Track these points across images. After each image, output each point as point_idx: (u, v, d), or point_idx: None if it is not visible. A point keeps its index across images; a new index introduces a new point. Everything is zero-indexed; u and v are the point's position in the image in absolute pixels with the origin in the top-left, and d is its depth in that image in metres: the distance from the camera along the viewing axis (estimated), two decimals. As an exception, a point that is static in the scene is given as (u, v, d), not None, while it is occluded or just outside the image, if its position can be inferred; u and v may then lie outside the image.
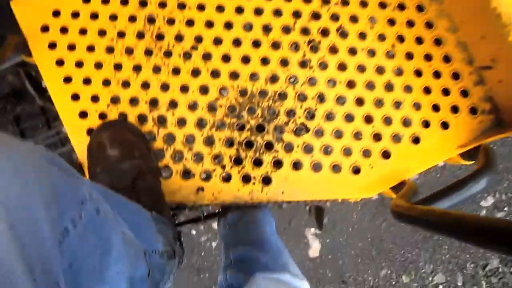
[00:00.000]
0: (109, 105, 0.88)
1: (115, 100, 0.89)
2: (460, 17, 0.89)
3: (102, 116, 0.88)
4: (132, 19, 0.91)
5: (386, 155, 0.87)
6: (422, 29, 0.91)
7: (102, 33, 0.91)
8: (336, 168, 0.87)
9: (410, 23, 0.92)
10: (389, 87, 0.89)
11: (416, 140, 0.87)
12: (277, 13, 0.92)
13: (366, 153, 0.87)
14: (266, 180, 0.88)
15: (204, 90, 0.90)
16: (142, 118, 0.88)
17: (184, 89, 0.90)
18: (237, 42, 0.91)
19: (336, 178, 0.86)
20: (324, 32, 0.91)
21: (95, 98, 0.88)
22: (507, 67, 0.80)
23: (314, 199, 0.87)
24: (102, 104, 0.88)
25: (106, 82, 0.89)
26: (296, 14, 0.92)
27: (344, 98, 0.89)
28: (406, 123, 0.88)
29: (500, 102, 0.86)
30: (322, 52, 0.90)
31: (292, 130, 0.88)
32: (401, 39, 0.91)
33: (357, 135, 0.88)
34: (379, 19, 0.92)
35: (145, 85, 0.89)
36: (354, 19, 0.91)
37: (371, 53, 0.90)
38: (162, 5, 0.91)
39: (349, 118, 0.88)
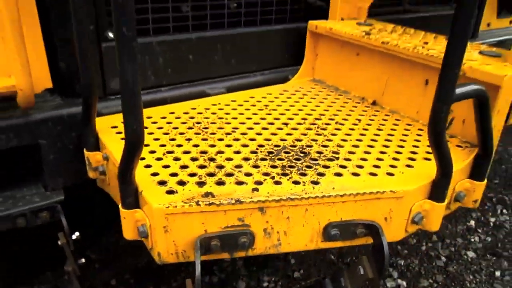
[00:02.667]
0: (180, 170, 1.05)
1: (184, 167, 1.05)
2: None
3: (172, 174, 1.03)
4: (190, 128, 1.23)
5: (372, 174, 1.05)
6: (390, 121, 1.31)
7: (165, 133, 1.19)
8: (357, 174, 1.01)
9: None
10: (372, 143, 1.18)
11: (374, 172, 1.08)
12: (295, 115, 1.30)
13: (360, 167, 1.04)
14: (315, 182, 0.97)
15: (245, 146, 1.12)
16: (199, 166, 1.04)
17: (228, 146, 1.11)
18: (264, 129, 1.22)
19: (362, 179, 0.99)
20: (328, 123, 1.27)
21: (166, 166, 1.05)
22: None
23: (360, 191, 0.95)
24: (174, 168, 1.04)
25: (175, 158, 1.09)
26: (307, 116, 1.30)
27: (343, 146, 1.15)
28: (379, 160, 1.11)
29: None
30: (327, 131, 1.23)
31: (325, 158, 1.07)
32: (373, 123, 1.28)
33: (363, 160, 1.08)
34: (362, 119, 1.32)
35: (203, 152, 1.10)
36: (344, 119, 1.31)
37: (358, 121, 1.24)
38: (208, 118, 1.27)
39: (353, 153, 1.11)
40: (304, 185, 0.96)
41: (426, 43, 1.36)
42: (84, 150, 1.17)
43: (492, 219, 2.52)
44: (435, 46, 1.31)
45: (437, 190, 0.99)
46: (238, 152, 1.09)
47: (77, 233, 1.24)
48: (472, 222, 2.49)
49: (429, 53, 1.26)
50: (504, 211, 2.62)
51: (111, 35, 1.28)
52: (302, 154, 1.10)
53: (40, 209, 1.23)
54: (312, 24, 1.59)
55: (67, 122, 1.23)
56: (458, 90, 0.88)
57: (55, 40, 1.26)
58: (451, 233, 2.39)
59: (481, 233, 2.40)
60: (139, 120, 0.78)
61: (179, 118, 1.28)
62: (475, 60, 1.20)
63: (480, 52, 1.28)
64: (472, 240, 2.34)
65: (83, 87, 1.03)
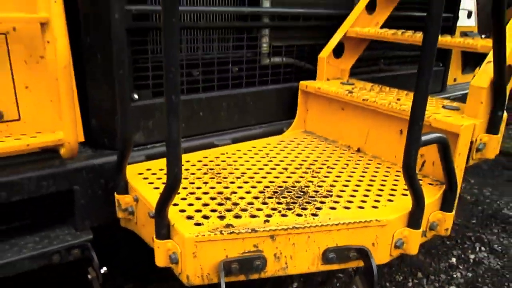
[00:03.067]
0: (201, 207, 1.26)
1: (205, 205, 1.26)
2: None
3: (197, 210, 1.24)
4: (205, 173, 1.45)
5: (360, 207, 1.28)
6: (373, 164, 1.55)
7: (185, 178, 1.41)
8: (348, 208, 1.24)
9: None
10: (358, 183, 1.42)
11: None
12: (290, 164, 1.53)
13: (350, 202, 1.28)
14: (314, 215, 1.19)
15: (253, 187, 1.34)
16: (218, 204, 1.25)
17: (240, 187, 1.34)
18: (268, 173, 1.45)
19: (352, 211, 1.21)
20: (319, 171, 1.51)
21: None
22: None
23: (351, 221, 1.17)
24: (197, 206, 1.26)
25: (197, 198, 1.31)
26: (303, 162, 1.54)
27: (337, 182, 1.38)
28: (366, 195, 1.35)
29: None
30: (322, 173, 1.46)
31: (321, 195, 1.30)
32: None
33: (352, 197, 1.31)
34: (350, 163, 1.57)
35: (219, 193, 1.32)
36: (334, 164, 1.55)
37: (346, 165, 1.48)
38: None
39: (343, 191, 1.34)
40: (305, 217, 1.18)
41: (399, 99, 1.64)
42: (115, 194, 1.38)
43: (472, 256, 2.73)
44: (406, 102, 1.59)
45: (413, 219, 1.21)
46: (248, 192, 1.31)
47: (105, 268, 1.41)
48: (454, 260, 2.69)
49: (402, 108, 1.53)
50: (483, 248, 2.84)
51: (136, 96, 1.53)
52: (301, 193, 1.32)
53: (73, 246, 1.41)
54: (303, 84, 1.87)
55: (97, 170, 1.44)
56: (424, 138, 1.13)
57: (88, 101, 1.50)
58: (435, 270, 2.58)
59: (462, 269, 2.60)
60: (179, 166, 1.00)
61: (194, 165, 1.50)
62: (439, 113, 1.48)
63: (443, 106, 1.56)
64: (454, 276, 2.54)
65: (122, 140, 1.26)
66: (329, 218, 1.17)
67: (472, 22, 3.07)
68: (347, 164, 1.58)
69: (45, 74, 1.36)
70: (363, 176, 1.48)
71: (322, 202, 1.27)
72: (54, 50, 1.25)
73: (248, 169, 1.49)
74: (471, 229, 3.05)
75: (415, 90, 1.05)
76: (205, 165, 1.51)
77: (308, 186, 1.38)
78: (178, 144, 0.99)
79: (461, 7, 2.65)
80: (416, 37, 1.77)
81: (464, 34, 2.82)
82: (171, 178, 1.01)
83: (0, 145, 1.26)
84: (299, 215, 1.18)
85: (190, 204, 1.22)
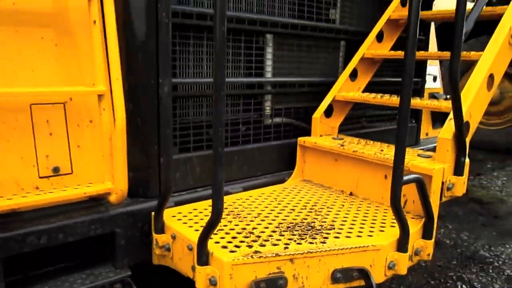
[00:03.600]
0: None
1: (234, 237, 1.55)
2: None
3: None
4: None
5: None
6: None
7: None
8: (348, 237, 1.55)
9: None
10: (354, 219, 1.74)
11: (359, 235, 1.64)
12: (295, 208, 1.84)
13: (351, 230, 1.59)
14: (323, 242, 1.50)
15: (270, 223, 1.65)
16: (244, 237, 1.55)
17: (258, 224, 1.64)
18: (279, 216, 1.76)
19: (353, 239, 1.53)
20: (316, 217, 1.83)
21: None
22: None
23: (352, 246, 1.47)
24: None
25: (226, 233, 1.60)
26: (306, 204, 1.85)
27: (337, 217, 1.70)
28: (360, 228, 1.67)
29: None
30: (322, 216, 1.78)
31: (326, 228, 1.61)
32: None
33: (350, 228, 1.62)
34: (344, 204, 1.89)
35: (243, 229, 1.61)
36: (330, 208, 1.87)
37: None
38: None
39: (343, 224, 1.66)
40: (316, 244, 1.48)
41: (382, 150, 2.00)
42: (153, 233, 1.65)
43: (455, 294, 3.02)
44: (389, 152, 1.95)
45: (401, 244, 1.53)
46: (266, 228, 1.61)
47: (143, 300, 1.65)
48: (439, 297, 2.96)
49: (385, 157, 1.89)
50: (464, 286, 3.12)
51: (166, 152, 1.84)
52: (310, 227, 1.63)
53: (116, 281, 1.65)
54: (301, 139, 2.23)
55: (135, 215, 1.71)
56: (405, 178, 1.48)
57: (129, 157, 1.80)
58: (422, 307, 2.84)
59: (447, 305, 2.87)
60: (222, 204, 1.30)
61: (216, 209, 1.80)
62: (415, 160, 1.84)
63: (418, 155, 1.93)
64: (440, 311, 2.80)
65: (164, 188, 1.55)
66: (335, 245, 1.48)
67: (438, 85, 3.56)
68: (343, 205, 1.90)
69: (94, 134, 1.68)
70: (357, 214, 1.80)
71: (327, 233, 1.57)
72: (109, 115, 1.58)
73: (262, 210, 1.80)
74: (452, 269, 3.35)
75: (396, 142, 1.40)
76: (226, 208, 1.80)
77: (314, 222, 1.69)
78: (221, 186, 1.29)
79: (427, 72, 3.13)
80: (392, 100, 2.18)
81: (432, 95, 3.29)
82: (215, 214, 1.31)
83: (62, 193, 1.54)
84: (311, 243, 1.48)
85: (222, 238, 1.51)
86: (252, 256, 1.37)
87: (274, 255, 1.39)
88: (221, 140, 1.26)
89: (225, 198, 1.92)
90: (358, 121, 2.72)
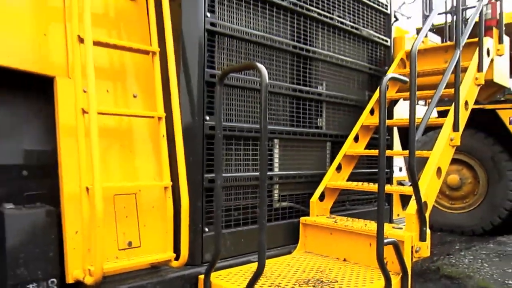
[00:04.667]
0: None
1: None
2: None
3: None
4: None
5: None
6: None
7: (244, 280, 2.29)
8: (349, 286, 2.18)
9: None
10: (351, 276, 2.38)
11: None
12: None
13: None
14: (331, 290, 2.12)
15: (289, 281, 2.26)
16: None
17: (281, 281, 2.25)
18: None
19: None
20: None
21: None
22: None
23: (354, 291, 2.10)
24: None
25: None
26: (312, 268, 2.46)
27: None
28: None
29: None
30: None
31: (332, 283, 2.23)
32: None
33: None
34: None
35: (270, 285, 2.22)
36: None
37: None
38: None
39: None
40: (327, 291, 2.09)
41: (366, 225, 2.69)
42: (204, 291, 2.22)
43: None
44: (371, 226, 2.64)
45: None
46: (289, 282, 2.22)
47: None
48: None
49: (369, 229, 2.57)
50: None
51: (207, 229, 2.46)
52: (320, 282, 2.25)
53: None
54: (303, 219, 2.90)
55: (186, 278, 2.29)
56: (385, 241, 2.15)
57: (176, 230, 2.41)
58: None
59: None
60: (264, 260, 1.92)
61: (245, 273, 2.40)
62: (391, 231, 2.52)
63: (393, 227, 2.63)
64: None
65: (214, 255, 2.16)
66: (340, 291, 2.10)
67: (403, 174, 4.38)
68: (340, 267, 2.54)
69: (156, 216, 2.31)
70: (352, 272, 2.43)
71: (333, 285, 2.19)
72: (171, 203, 2.23)
73: (281, 272, 2.41)
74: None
75: (377, 215, 2.11)
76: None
77: (322, 278, 2.31)
78: (264, 249, 1.93)
79: (394, 164, 3.95)
80: (370, 186, 2.92)
81: (399, 182, 4.09)
82: (260, 267, 1.92)
83: (141, 259, 2.13)
84: (323, 290, 2.10)
85: (259, 289, 2.11)
86: (284, 299, 1.97)
87: (299, 298, 1.99)
88: (265, 215, 1.92)
89: (249, 265, 2.54)
90: (343, 204, 3.43)
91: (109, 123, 2.24)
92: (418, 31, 6.61)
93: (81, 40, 2.05)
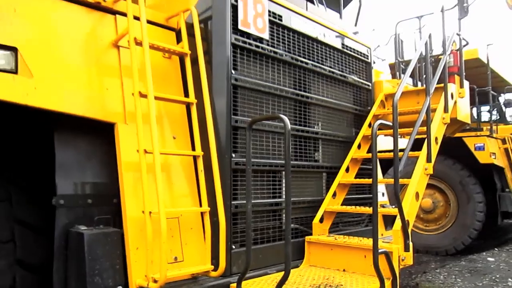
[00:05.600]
0: None
1: None
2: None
3: None
4: None
5: None
6: (356, 274, 3.13)
7: None
8: None
9: None
10: (351, 282, 2.98)
11: None
12: None
13: None
14: (339, 290, 2.72)
15: (304, 285, 2.85)
16: None
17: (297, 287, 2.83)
18: None
19: None
20: None
21: None
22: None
23: (357, 291, 2.71)
24: None
25: None
26: (318, 277, 3.06)
27: None
28: None
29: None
30: None
31: (338, 285, 2.83)
32: (352, 275, 3.09)
33: None
34: None
35: None
36: None
37: None
38: None
39: None
40: (336, 291, 2.69)
41: (360, 240, 3.32)
42: (236, 296, 2.77)
43: None
44: (364, 241, 3.26)
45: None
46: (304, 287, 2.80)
47: None
48: None
49: (364, 243, 3.20)
50: None
51: (233, 247, 3.03)
52: (329, 286, 2.84)
53: (213, 328, 2.71)
54: (307, 238, 3.52)
55: (221, 286, 2.84)
56: (379, 251, 2.77)
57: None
58: None
59: None
60: (290, 267, 2.51)
61: (267, 281, 2.96)
62: (382, 244, 3.16)
63: (383, 242, 3.26)
64: None
65: (245, 266, 2.72)
66: (347, 291, 2.70)
67: (385, 198, 5.07)
68: (342, 276, 3.14)
69: (194, 236, 2.87)
70: (352, 279, 3.04)
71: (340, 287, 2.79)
72: (209, 224, 2.80)
73: (295, 281, 2.99)
74: None
75: (372, 233, 2.74)
76: (273, 280, 2.98)
77: (330, 283, 2.90)
78: (290, 256, 2.51)
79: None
80: (362, 209, 3.56)
81: (382, 206, 4.75)
82: (287, 272, 2.50)
83: (188, 270, 2.68)
84: (333, 291, 2.70)
85: (283, 291, 2.68)
86: (305, 297, 2.56)
87: (316, 296, 2.58)
88: (289, 232, 2.52)
89: (268, 276, 3.11)
90: (337, 225, 4.06)
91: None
92: (391, 66, 7.48)
93: (142, 95, 2.65)
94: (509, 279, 6.67)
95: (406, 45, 6.85)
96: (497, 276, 6.86)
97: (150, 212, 2.51)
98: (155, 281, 2.45)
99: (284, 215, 3.54)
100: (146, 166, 2.57)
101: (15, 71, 2.44)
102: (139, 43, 2.73)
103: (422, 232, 8.63)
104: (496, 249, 8.91)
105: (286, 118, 2.50)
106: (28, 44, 2.51)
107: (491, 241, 9.60)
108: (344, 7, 5.61)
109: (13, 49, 2.46)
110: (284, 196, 3.55)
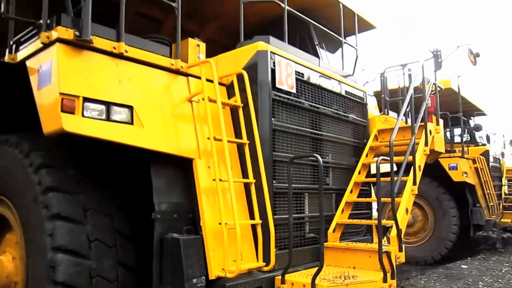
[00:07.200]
0: None
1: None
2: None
3: None
4: None
5: None
6: None
7: None
8: (364, 277, 3.95)
9: None
10: (362, 275, 4.14)
11: None
12: None
13: None
14: (357, 279, 3.87)
15: (328, 276, 3.99)
16: None
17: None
18: None
19: (367, 278, 3.93)
20: None
21: None
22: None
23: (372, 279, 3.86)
24: None
25: None
26: (337, 272, 4.19)
27: None
28: None
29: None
30: None
31: (353, 276, 3.99)
32: None
33: None
34: None
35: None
36: None
37: None
38: None
39: None
40: (354, 279, 3.83)
41: (366, 244, 4.47)
42: (280, 285, 3.86)
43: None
44: (369, 245, 4.42)
45: (383, 280, 3.92)
46: (329, 277, 3.93)
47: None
48: None
49: (369, 247, 4.36)
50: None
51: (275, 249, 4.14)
52: (347, 276, 3.98)
53: (266, 308, 3.80)
54: (325, 244, 4.65)
55: (269, 278, 3.93)
56: (383, 251, 3.94)
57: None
58: None
59: None
60: (323, 261, 3.64)
61: (301, 274, 4.08)
62: (383, 246, 4.33)
63: (383, 245, 4.44)
64: None
65: (289, 263, 3.82)
66: (363, 278, 3.84)
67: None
68: (354, 271, 4.28)
69: (247, 242, 3.97)
70: (361, 272, 4.18)
71: (355, 277, 3.93)
72: (261, 233, 3.91)
73: (321, 275, 4.11)
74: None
75: (378, 238, 3.90)
76: (306, 274, 4.10)
77: (347, 275, 4.04)
78: (323, 258, 3.64)
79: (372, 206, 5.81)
80: (367, 221, 4.74)
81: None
82: (321, 265, 3.62)
83: (247, 265, 3.78)
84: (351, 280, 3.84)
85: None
86: (336, 283, 3.69)
87: (345, 284, 3.71)
88: (323, 235, 3.65)
89: (302, 271, 4.24)
90: (343, 235, 5.22)
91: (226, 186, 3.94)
92: (375, 93, 8.77)
93: (216, 139, 3.77)
94: (480, 283, 7.98)
95: (390, 79, 8.18)
96: (470, 280, 8.16)
97: (226, 223, 3.61)
98: (231, 272, 3.54)
99: (306, 226, 4.69)
100: (220, 189, 3.67)
101: (131, 123, 3.54)
102: (212, 101, 3.87)
103: (404, 245, 9.86)
104: (469, 258, 10.26)
105: (319, 156, 3.67)
106: (139, 103, 3.61)
107: (464, 251, 10.97)
108: (334, 52, 6.95)
109: (130, 107, 3.56)
110: (306, 211, 4.71)
